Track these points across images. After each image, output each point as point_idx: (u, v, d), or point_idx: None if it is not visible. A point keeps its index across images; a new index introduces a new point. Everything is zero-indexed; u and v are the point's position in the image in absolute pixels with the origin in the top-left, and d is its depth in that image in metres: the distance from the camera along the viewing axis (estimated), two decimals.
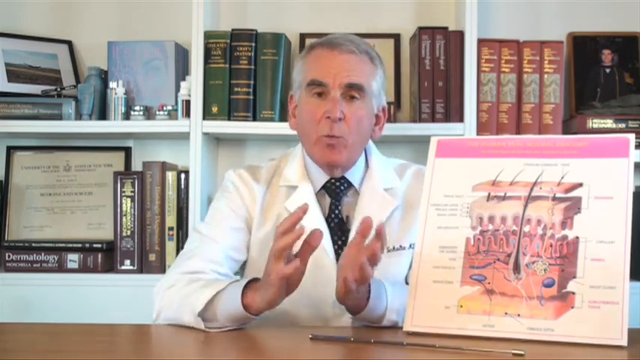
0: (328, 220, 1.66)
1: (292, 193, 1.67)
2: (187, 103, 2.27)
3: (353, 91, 1.62)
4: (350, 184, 1.69)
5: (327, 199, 1.68)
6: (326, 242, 1.62)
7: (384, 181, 1.70)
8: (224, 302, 1.41)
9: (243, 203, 1.68)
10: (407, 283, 1.64)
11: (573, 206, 1.33)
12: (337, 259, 1.61)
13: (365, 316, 1.44)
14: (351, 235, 1.63)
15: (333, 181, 1.68)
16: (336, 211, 1.66)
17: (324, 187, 1.68)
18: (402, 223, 1.67)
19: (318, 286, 1.57)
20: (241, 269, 1.74)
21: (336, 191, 1.68)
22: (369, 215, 1.62)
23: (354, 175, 1.70)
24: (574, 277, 1.29)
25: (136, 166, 2.46)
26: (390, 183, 1.71)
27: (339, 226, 1.66)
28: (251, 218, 1.68)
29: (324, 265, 1.61)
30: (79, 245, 2.29)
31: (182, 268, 1.58)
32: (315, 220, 1.64)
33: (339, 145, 1.62)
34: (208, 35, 2.27)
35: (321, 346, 1.30)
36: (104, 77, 2.38)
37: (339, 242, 1.65)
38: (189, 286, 1.50)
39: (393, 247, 1.64)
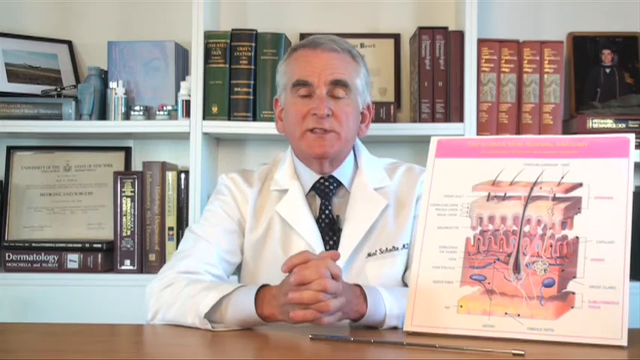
0: (319, 220, 1.66)
1: (283, 197, 1.68)
2: (187, 103, 2.27)
3: (338, 88, 1.64)
4: (339, 184, 1.70)
5: (317, 200, 1.69)
6: (317, 243, 1.63)
7: (373, 180, 1.70)
8: (234, 307, 1.42)
9: (236, 206, 1.70)
10: (404, 283, 1.64)
11: (573, 206, 1.33)
12: None
13: (364, 323, 1.44)
14: (342, 235, 1.64)
15: (322, 180, 1.69)
16: (327, 211, 1.67)
17: (313, 187, 1.69)
18: (394, 223, 1.67)
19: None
20: (237, 270, 1.74)
21: (325, 191, 1.68)
22: (359, 217, 1.63)
23: (343, 174, 1.70)
24: (574, 277, 1.29)
25: (136, 166, 2.47)
26: (380, 182, 1.71)
27: (329, 226, 1.66)
28: (244, 221, 1.69)
29: None
30: (79, 245, 2.29)
31: (177, 268, 1.59)
32: (305, 222, 1.65)
33: (330, 138, 1.63)
34: (208, 35, 2.27)
35: (321, 346, 1.30)
36: (104, 77, 2.38)
37: (331, 242, 1.65)
38: (190, 287, 1.50)
39: (387, 249, 1.64)
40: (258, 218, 1.69)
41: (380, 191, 1.69)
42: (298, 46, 1.70)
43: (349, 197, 1.68)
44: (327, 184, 1.69)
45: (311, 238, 1.63)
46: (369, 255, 1.64)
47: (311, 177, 1.69)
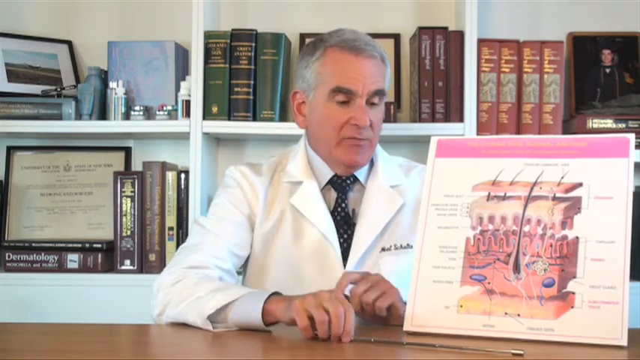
0: (334, 213, 1.66)
1: (297, 189, 1.68)
2: (187, 103, 2.27)
3: (376, 97, 1.64)
4: (356, 179, 1.70)
5: (333, 194, 1.69)
6: (331, 234, 1.63)
7: (389, 178, 1.71)
8: (239, 310, 1.39)
9: (245, 198, 1.68)
10: None
11: (573, 206, 1.33)
12: (342, 253, 1.62)
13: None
14: (357, 230, 1.64)
15: (339, 175, 1.69)
16: (343, 205, 1.67)
17: (329, 181, 1.69)
18: (410, 222, 1.67)
19: (325, 282, 1.54)
20: (244, 263, 1.73)
21: (342, 185, 1.69)
22: (374, 212, 1.64)
23: (360, 171, 1.71)
24: (574, 277, 1.29)
25: (136, 166, 2.47)
26: (396, 180, 1.72)
27: (345, 220, 1.66)
28: (254, 214, 1.68)
29: (329, 260, 1.61)
30: (79, 245, 2.29)
31: (186, 263, 1.56)
32: (320, 212, 1.65)
33: (365, 146, 1.64)
34: (208, 35, 2.27)
35: (321, 346, 1.30)
36: (104, 77, 2.38)
37: (345, 236, 1.65)
38: (200, 286, 1.47)
39: (401, 245, 1.65)
40: (270, 209, 1.68)
41: (395, 189, 1.70)
42: (333, 45, 1.64)
43: (365, 192, 1.69)
44: (343, 178, 1.69)
45: (325, 228, 1.63)
46: (383, 250, 1.64)
47: (328, 172, 1.70)
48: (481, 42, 2.26)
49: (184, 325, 1.45)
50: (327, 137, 1.65)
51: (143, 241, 2.28)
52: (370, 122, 1.62)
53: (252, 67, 2.28)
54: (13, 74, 2.38)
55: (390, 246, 1.65)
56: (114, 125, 2.31)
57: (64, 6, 2.52)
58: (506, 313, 1.30)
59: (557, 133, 2.24)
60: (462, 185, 1.41)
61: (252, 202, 1.68)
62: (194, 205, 2.22)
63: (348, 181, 1.69)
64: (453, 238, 1.38)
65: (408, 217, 1.68)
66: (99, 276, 2.26)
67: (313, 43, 1.70)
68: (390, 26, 2.46)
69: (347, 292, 1.42)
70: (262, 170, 1.72)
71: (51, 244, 2.30)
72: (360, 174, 1.71)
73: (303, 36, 2.43)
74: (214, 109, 2.26)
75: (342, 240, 1.64)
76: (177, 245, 2.25)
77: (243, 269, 1.76)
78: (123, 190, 2.29)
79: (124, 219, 2.28)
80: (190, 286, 1.49)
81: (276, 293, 1.41)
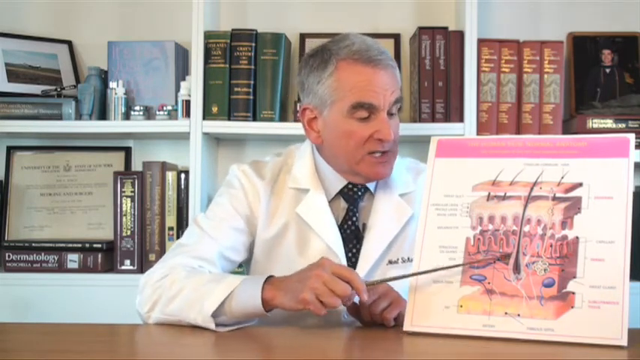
0: (344, 226, 1.62)
1: (303, 198, 1.62)
2: (187, 103, 2.27)
3: (395, 106, 1.60)
4: (366, 189, 1.65)
5: (342, 204, 1.64)
6: (338, 249, 1.59)
7: (398, 186, 1.66)
8: (239, 304, 1.38)
9: (246, 201, 1.63)
10: None
11: (573, 206, 1.33)
12: (350, 266, 1.57)
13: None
14: (364, 244, 1.60)
15: (350, 186, 1.64)
16: (354, 218, 1.62)
17: (340, 192, 1.64)
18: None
19: None
20: (246, 267, 1.72)
21: (353, 197, 1.63)
22: (382, 225, 1.60)
23: None
24: (574, 277, 1.29)
25: (136, 166, 2.47)
26: (405, 188, 1.67)
27: (355, 234, 1.62)
28: (254, 217, 1.63)
29: None
30: (79, 245, 2.29)
31: (176, 261, 1.53)
32: (327, 224, 1.60)
33: (390, 159, 1.61)
34: (208, 35, 2.27)
35: (322, 346, 1.30)
36: (104, 77, 2.39)
37: (354, 250, 1.61)
38: (192, 279, 1.45)
39: (408, 258, 1.60)
40: (273, 215, 1.63)
41: (405, 197, 1.65)
42: (345, 58, 1.56)
43: (373, 203, 1.64)
44: (355, 189, 1.64)
45: (332, 241, 1.58)
46: (390, 262, 1.60)
47: (339, 181, 1.63)
48: (481, 42, 2.26)
49: (184, 325, 1.44)
50: (349, 154, 1.58)
51: (143, 241, 2.28)
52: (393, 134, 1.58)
53: (252, 67, 2.28)
54: (13, 74, 2.38)
55: (398, 259, 1.61)
56: (114, 125, 2.31)
57: (64, 6, 2.52)
58: (506, 313, 1.30)
59: (557, 133, 2.24)
60: (462, 185, 1.41)
61: (253, 205, 1.63)
62: (194, 205, 2.22)
63: (360, 192, 1.64)
64: (453, 238, 1.38)
65: (416, 227, 1.62)
66: (99, 276, 2.26)
67: (321, 55, 1.59)
68: (390, 26, 2.46)
69: (356, 301, 1.42)
70: (266, 172, 1.66)
71: (51, 244, 2.30)
72: (371, 183, 1.65)
73: (303, 36, 2.43)
74: (214, 109, 2.26)
75: (350, 254, 1.60)
76: None
77: (246, 272, 1.75)
78: (123, 190, 2.29)
79: (124, 219, 2.28)
80: (181, 279, 1.45)
81: (267, 278, 1.40)
